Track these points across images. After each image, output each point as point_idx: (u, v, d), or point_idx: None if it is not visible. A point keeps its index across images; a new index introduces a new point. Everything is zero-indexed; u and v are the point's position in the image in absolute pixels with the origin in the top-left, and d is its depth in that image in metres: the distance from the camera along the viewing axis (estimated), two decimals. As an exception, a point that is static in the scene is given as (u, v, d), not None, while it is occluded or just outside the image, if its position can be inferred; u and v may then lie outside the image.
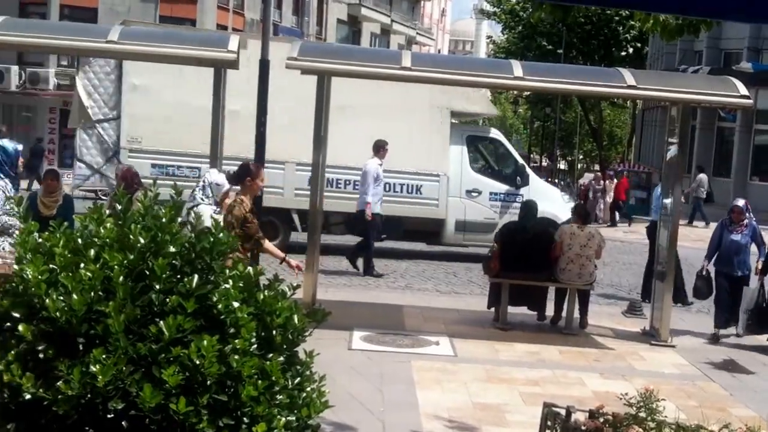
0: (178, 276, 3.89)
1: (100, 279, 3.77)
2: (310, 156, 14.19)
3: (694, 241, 20.49)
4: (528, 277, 11.77)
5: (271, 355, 3.89)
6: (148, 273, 3.86)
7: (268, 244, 8.79)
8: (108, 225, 4.02)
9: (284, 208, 16.87)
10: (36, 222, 4.15)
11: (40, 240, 4.03)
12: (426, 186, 17.12)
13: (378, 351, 10.16)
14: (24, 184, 24.43)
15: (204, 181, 8.53)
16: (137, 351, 3.67)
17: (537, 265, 11.74)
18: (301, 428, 3.96)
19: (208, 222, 8.13)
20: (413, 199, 17.25)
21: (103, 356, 3.60)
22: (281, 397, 3.86)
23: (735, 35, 37.82)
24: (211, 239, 4.00)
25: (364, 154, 15.42)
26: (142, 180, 10.63)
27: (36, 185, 23.06)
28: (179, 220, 4.04)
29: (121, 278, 3.78)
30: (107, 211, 4.18)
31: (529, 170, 18.43)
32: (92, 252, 3.90)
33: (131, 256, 3.89)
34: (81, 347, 3.70)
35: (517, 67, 11.27)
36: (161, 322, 3.69)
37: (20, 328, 3.71)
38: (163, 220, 4.00)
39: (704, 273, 12.16)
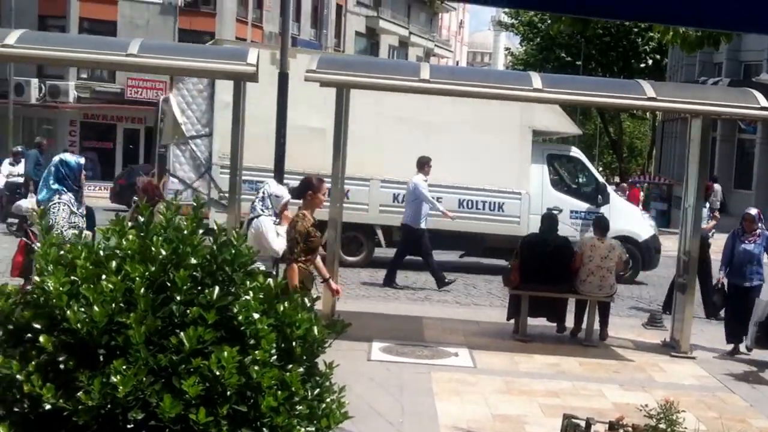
0: (199, 287, 3.90)
1: (121, 290, 3.78)
2: (394, 173, 14.66)
3: (716, 253, 20.32)
4: (548, 289, 11.75)
5: (290, 366, 3.89)
6: (169, 284, 3.87)
7: (318, 261, 8.80)
8: (130, 237, 4.04)
9: (368, 224, 17.10)
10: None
11: (62, 252, 4.05)
12: (508, 204, 17.22)
13: (397, 362, 10.16)
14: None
15: (263, 193, 8.59)
16: (158, 362, 3.68)
17: (557, 277, 11.72)
18: (320, 439, 3.96)
19: (272, 232, 8.25)
20: (495, 216, 17.39)
21: (124, 367, 3.61)
22: (301, 407, 3.86)
23: (755, 47, 37.67)
24: (233, 251, 4.01)
25: (446, 172, 16.02)
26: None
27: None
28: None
29: (143, 290, 3.79)
30: (129, 223, 4.20)
31: (609, 189, 18.50)
32: (114, 264, 3.91)
33: (153, 268, 3.90)
34: (102, 358, 3.71)
35: (536, 79, 11.26)
36: (182, 333, 3.70)
37: (41, 339, 3.72)
38: (185, 232, 4.02)
39: (719, 286, 11.99)
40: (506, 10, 51.37)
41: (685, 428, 5.43)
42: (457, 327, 12.26)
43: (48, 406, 3.63)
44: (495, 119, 16.55)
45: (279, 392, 3.74)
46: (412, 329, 11.88)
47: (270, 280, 4.11)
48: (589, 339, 11.84)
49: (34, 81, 37.64)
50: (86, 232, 7.76)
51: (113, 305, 3.73)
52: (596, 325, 11.96)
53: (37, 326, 3.80)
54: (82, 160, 9.01)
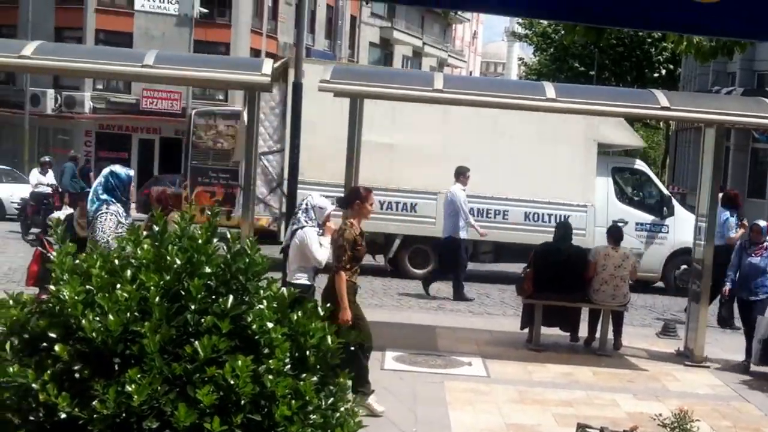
0: (214, 296, 3.92)
1: (136, 299, 3.81)
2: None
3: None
4: (561, 298, 11.74)
5: (304, 375, 3.90)
6: (183, 293, 3.89)
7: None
8: (145, 246, 4.07)
9: (436, 237, 17.09)
10: (73, 243, 4.20)
11: (77, 261, 4.08)
12: (574, 216, 17.15)
13: (410, 371, 10.15)
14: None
15: (306, 204, 8.63)
16: (172, 371, 3.70)
17: (570, 287, 11.71)
18: (334, 448, 3.97)
19: (316, 242, 8.30)
20: None
21: (139, 376, 3.63)
22: (315, 416, 3.87)
23: (769, 56, 37.54)
24: (246, 260, 4.03)
25: (512, 185, 16.35)
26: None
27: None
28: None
29: (157, 299, 3.81)
30: (144, 233, 4.23)
31: (674, 201, 18.53)
32: (129, 273, 3.94)
33: (167, 277, 3.92)
34: (117, 367, 3.74)
35: (549, 89, 11.25)
36: (196, 342, 3.72)
37: (57, 348, 3.75)
38: (199, 241, 4.04)
39: (725, 298, 11.82)
40: (520, 20, 51.44)
41: (700, 438, 5.41)
42: (470, 336, 12.24)
43: (63, 415, 3.66)
44: (560, 133, 16.71)
45: (293, 401, 3.75)
46: (425, 338, 11.88)
47: (284, 289, 4.13)
48: (602, 348, 11.81)
49: (50, 92, 37.85)
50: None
51: (128, 314, 3.76)
52: (610, 335, 11.93)
53: (53, 335, 3.83)
54: (131, 172, 9.14)
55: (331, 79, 10.96)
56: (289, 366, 3.85)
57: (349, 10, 52.80)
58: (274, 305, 4.00)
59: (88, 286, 3.88)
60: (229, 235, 4.14)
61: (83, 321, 3.72)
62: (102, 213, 8.22)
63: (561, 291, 11.66)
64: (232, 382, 3.64)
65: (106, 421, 3.61)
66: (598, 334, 11.94)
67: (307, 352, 3.98)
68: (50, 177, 22.89)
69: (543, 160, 16.79)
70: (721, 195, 12.98)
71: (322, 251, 8.40)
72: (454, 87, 11.60)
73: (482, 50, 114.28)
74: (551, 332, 12.17)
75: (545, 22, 50.15)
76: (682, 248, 16.76)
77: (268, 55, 39.40)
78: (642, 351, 12.10)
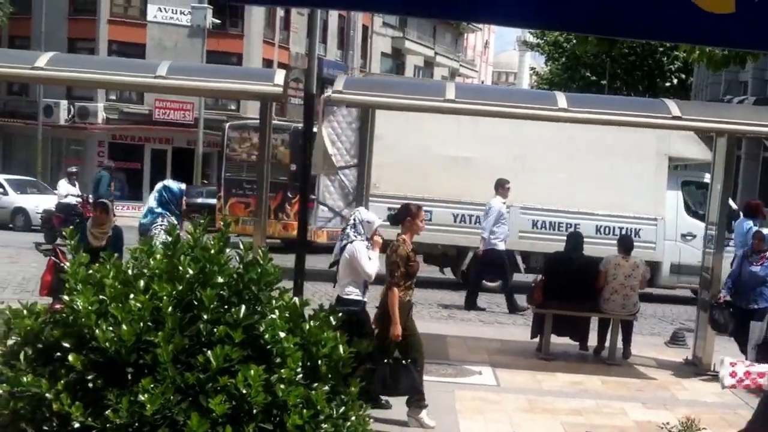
0: (226, 306, 3.94)
1: (149, 309, 3.83)
2: (534, 199, 16.30)
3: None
4: (571, 307, 11.73)
5: (316, 384, 3.92)
6: (196, 303, 3.91)
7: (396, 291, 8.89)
8: (158, 256, 4.09)
9: (509, 249, 17.20)
10: (86, 254, 4.23)
11: (91, 271, 4.11)
12: (644, 229, 17.29)
13: (422, 381, 10.14)
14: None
15: (355, 220, 8.71)
16: (185, 380, 3.72)
17: (580, 296, 11.70)
18: (345, 457, 3.98)
19: (365, 256, 8.36)
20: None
21: (152, 385, 3.65)
22: (326, 425, 3.88)
23: (781, 65, 37.44)
24: (259, 270, 4.05)
25: (583, 198, 16.52)
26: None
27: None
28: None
29: (170, 308, 3.83)
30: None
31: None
32: (142, 283, 3.96)
33: (180, 287, 3.95)
34: (130, 377, 3.76)
35: (561, 99, 11.24)
36: (209, 351, 3.74)
37: (70, 357, 3.77)
38: (212, 251, 4.06)
39: (719, 302, 11.58)
40: (531, 29, 51.43)
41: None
42: (480, 345, 12.24)
43: (77, 425, 3.68)
44: (632, 147, 16.81)
45: (304, 410, 3.77)
46: (435, 347, 11.85)
47: (296, 299, 4.15)
48: (612, 357, 11.80)
49: (63, 102, 38.01)
50: None
51: (141, 324, 3.78)
52: (619, 344, 11.91)
53: (66, 345, 3.85)
54: (184, 186, 9.29)
55: (343, 89, 10.99)
56: (300, 375, 3.87)
57: (361, 20, 52.90)
58: (286, 315, 4.02)
59: (101, 296, 3.91)
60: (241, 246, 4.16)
61: (97, 331, 3.74)
62: (157, 226, 8.39)
63: (571, 300, 11.66)
64: (244, 392, 3.66)
65: (119, 430, 3.63)
66: (607, 343, 11.93)
67: (319, 362, 3.99)
68: (77, 188, 23.04)
69: (614, 174, 16.91)
70: (734, 205, 12.89)
71: (372, 264, 8.48)
72: (466, 97, 11.60)
73: (494, 60, 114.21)
74: (561, 341, 12.16)
75: (557, 32, 50.21)
76: None
77: (281, 65, 39.53)
78: (651, 360, 12.08)
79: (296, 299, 4.16)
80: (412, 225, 8.61)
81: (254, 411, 3.70)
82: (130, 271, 4.07)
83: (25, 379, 3.78)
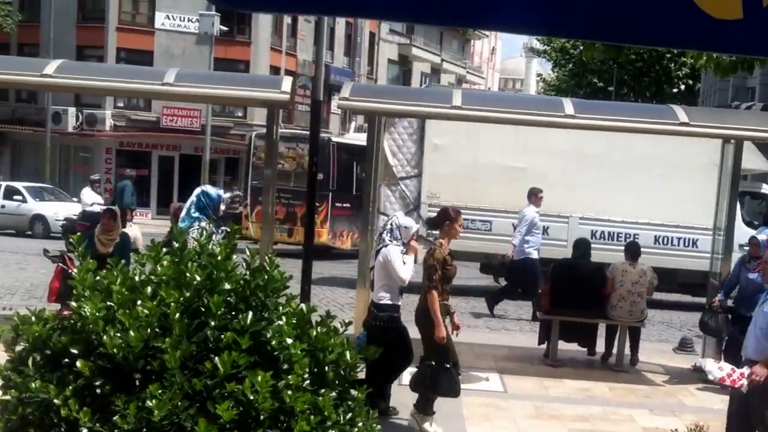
0: (233, 313, 3.95)
1: (156, 316, 3.84)
2: (592, 210, 16.77)
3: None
4: (578, 314, 11.73)
5: (323, 390, 3.92)
6: (203, 310, 3.92)
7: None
8: (165, 263, 4.11)
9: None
10: (94, 260, 4.25)
11: (98, 278, 4.12)
12: (702, 240, 17.20)
13: (429, 388, 10.14)
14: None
15: (392, 225, 8.76)
16: (192, 386, 3.72)
17: (587, 303, 11.70)
18: (353, 463, 3.98)
19: (399, 261, 8.41)
20: (689, 252, 17.55)
21: (159, 391, 3.66)
22: (333, 431, 3.89)
23: (789, 71, 37.37)
24: (265, 276, 4.06)
25: (641, 209, 16.75)
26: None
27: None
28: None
29: (178, 315, 3.84)
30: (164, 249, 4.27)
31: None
32: (149, 289, 3.97)
33: (187, 294, 3.95)
34: (137, 383, 3.77)
35: (568, 105, 11.25)
36: (216, 358, 3.75)
37: (78, 363, 3.78)
38: (219, 258, 4.08)
39: (712, 307, 11.51)
40: (538, 36, 51.43)
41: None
42: (487, 352, 12.23)
43: (85, 430, 3.69)
44: (689, 157, 16.81)
45: (312, 417, 3.77)
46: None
47: (303, 305, 4.16)
48: (619, 364, 11.79)
49: (72, 110, 38.11)
50: None
51: (149, 330, 3.79)
52: (627, 350, 11.90)
53: (74, 351, 3.86)
54: (222, 192, 9.38)
55: (349, 96, 11.02)
56: (308, 381, 3.87)
57: (368, 27, 52.99)
58: (293, 321, 4.02)
59: (109, 303, 3.92)
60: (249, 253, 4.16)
61: (104, 337, 3.75)
62: (194, 230, 8.45)
63: (579, 307, 11.66)
64: (251, 398, 3.67)
65: (127, 436, 3.64)
66: (614, 350, 11.91)
67: (326, 368, 4.00)
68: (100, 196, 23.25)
69: (672, 185, 16.96)
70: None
71: (406, 269, 8.53)
72: (472, 103, 11.63)
73: (501, 66, 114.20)
74: (568, 347, 12.15)
75: (564, 39, 50.18)
76: None
77: (288, 72, 39.58)
78: (659, 366, 12.07)
79: (303, 305, 4.17)
80: (451, 229, 8.66)
81: (261, 417, 3.70)
82: (137, 278, 4.08)
83: (33, 384, 3.79)
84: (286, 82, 10.87)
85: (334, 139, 23.24)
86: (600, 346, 12.17)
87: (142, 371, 3.77)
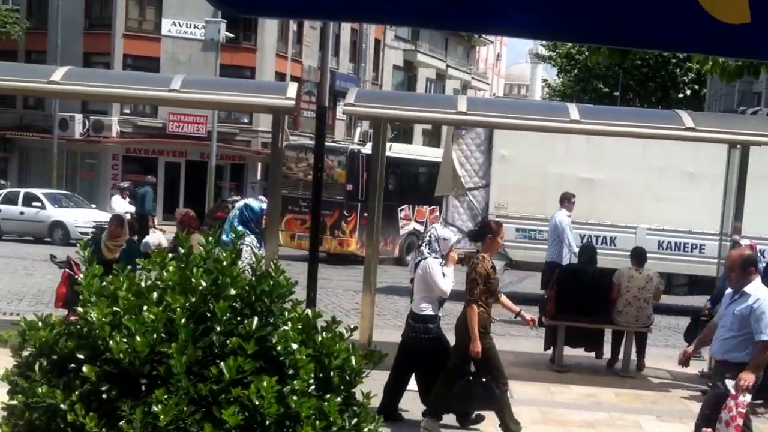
0: (239, 318, 3.96)
1: (162, 321, 3.85)
2: (659, 220, 16.96)
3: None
4: (584, 319, 11.71)
5: (328, 395, 3.92)
6: (209, 315, 3.93)
7: (503, 298, 9.04)
8: (170, 268, 4.12)
9: None
10: (100, 265, 4.26)
11: (105, 283, 4.13)
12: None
13: (434, 394, 10.13)
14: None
15: (431, 237, 8.77)
16: (198, 391, 3.73)
17: (593, 308, 11.68)
18: (358, 468, 3.98)
19: (438, 273, 8.42)
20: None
21: (165, 396, 3.67)
22: (339, 437, 3.89)
23: (795, 76, 37.30)
24: (271, 282, 4.07)
25: (710, 219, 16.30)
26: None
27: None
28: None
29: (183, 320, 3.85)
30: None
31: None
32: (155, 295, 3.99)
33: (193, 299, 3.96)
34: (143, 388, 3.77)
35: (573, 110, 11.26)
36: (222, 363, 3.75)
37: (84, 369, 3.79)
38: (224, 263, 4.08)
39: (703, 315, 11.44)
40: (543, 42, 51.45)
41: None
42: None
43: (91, 435, 3.70)
44: (756, 166, 16.71)
45: (317, 422, 3.77)
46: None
47: (308, 311, 4.16)
48: (625, 369, 11.77)
49: (78, 116, 38.21)
50: None
51: (155, 335, 3.80)
52: (633, 356, 11.87)
53: (81, 356, 3.87)
54: (265, 205, 9.44)
55: (355, 102, 11.04)
56: (313, 387, 3.88)
57: (373, 33, 53.04)
58: (299, 327, 4.03)
59: (115, 308, 3.93)
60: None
61: (111, 342, 3.76)
62: (246, 249, 8.51)
63: (585, 312, 11.65)
64: (257, 403, 3.67)
65: (133, 441, 3.65)
66: (621, 355, 11.89)
67: (332, 373, 4.00)
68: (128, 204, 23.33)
69: (703, 192, 16.81)
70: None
71: (446, 281, 8.54)
72: (477, 109, 11.64)
73: (506, 72, 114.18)
74: (574, 353, 12.13)
75: (569, 43, 50.16)
76: None
77: (293, 78, 39.63)
78: (665, 372, 12.03)
79: (309, 311, 4.17)
80: (493, 242, 8.64)
81: (267, 422, 3.71)
82: (143, 283, 4.09)
83: (40, 390, 3.80)
84: (292, 89, 10.90)
85: (364, 150, 23.50)
86: (606, 352, 12.15)
87: (148, 376, 3.77)
